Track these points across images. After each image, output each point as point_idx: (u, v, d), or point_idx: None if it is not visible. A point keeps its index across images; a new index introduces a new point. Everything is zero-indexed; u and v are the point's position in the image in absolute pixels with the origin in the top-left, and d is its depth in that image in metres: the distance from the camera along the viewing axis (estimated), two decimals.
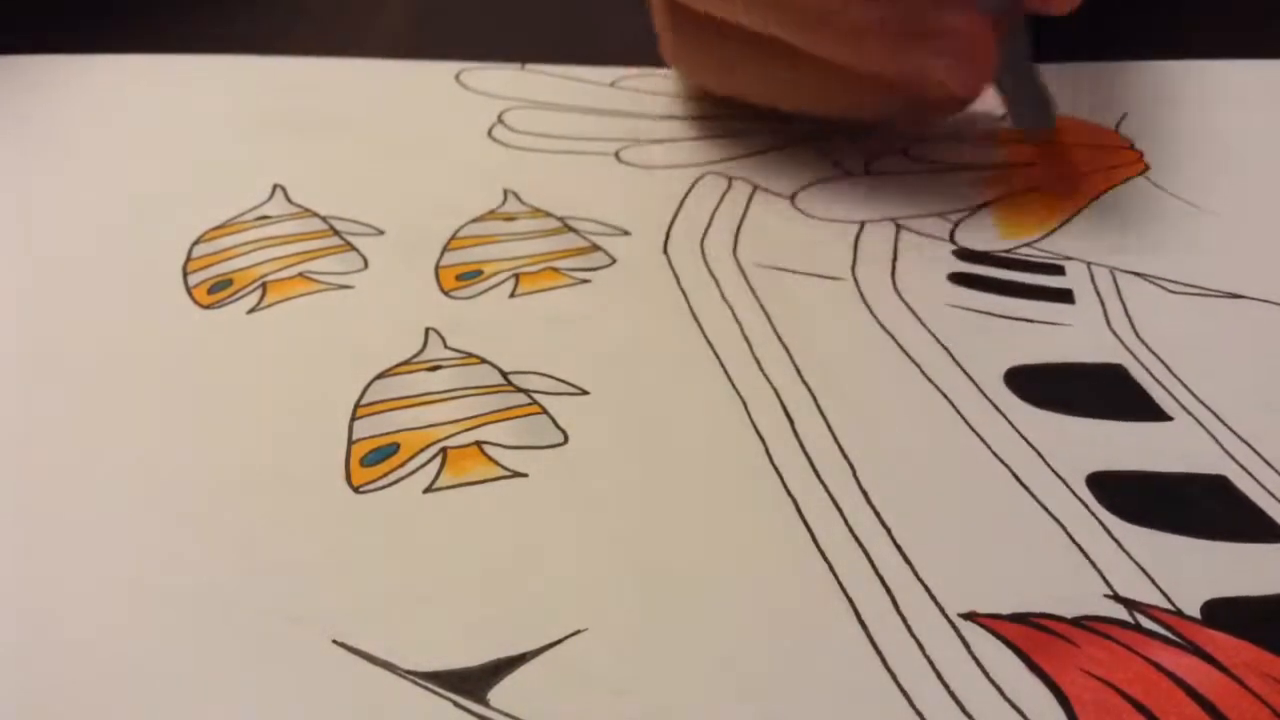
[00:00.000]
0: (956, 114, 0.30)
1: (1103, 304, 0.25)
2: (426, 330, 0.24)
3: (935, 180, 0.30)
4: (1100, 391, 0.22)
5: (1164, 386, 0.22)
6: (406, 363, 0.23)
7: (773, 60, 0.28)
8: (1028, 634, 0.17)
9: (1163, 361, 0.23)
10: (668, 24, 0.30)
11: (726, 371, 0.22)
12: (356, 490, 0.20)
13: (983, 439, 0.21)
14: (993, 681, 0.16)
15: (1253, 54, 0.37)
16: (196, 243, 0.27)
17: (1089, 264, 0.26)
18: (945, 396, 0.22)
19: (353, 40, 0.38)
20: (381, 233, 0.27)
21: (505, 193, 0.29)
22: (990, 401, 0.22)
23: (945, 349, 0.23)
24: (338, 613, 0.17)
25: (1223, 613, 0.17)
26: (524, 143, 0.32)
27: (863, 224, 0.28)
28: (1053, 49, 0.37)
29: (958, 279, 0.26)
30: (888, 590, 0.18)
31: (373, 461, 0.20)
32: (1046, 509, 0.19)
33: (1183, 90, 0.35)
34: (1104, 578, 0.18)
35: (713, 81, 0.32)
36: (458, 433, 0.21)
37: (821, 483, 0.20)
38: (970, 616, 0.17)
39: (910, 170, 0.30)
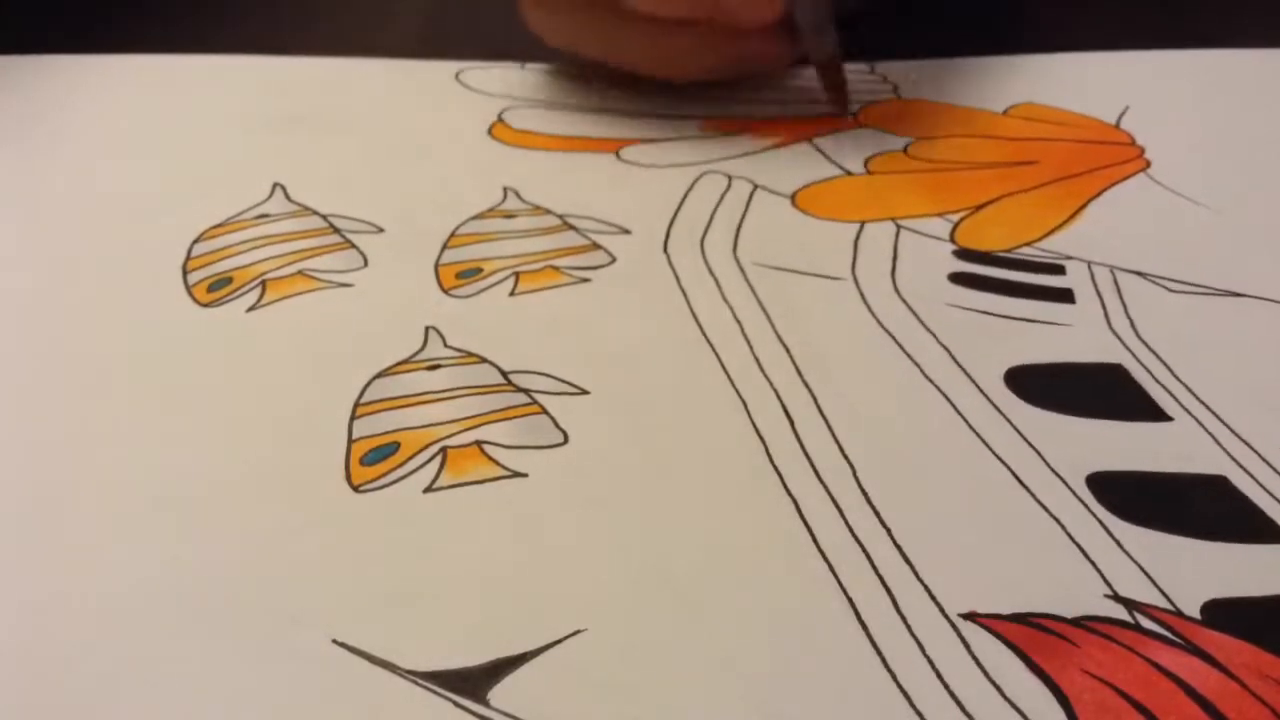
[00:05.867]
0: (786, 66, 0.32)
1: (1103, 303, 0.25)
2: (426, 329, 0.24)
3: (936, 179, 0.30)
4: (1100, 391, 0.22)
5: (1164, 386, 0.22)
6: (406, 361, 0.23)
7: (603, 19, 0.30)
8: (1028, 634, 0.17)
9: (1163, 361, 0.23)
10: None
11: (726, 371, 0.22)
12: (356, 490, 0.20)
13: (983, 439, 0.21)
14: (993, 681, 0.16)
15: (1259, 43, 0.37)
16: (196, 241, 0.27)
17: (1089, 263, 0.26)
18: (945, 396, 0.22)
19: (364, 40, 0.38)
20: (381, 230, 0.27)
21: (505, 190, 0.29)
22: (990, 401, 0.22)
23: (945, 349, 0.23)
24: (338, 613, 0.17)
25: (1223, 613, 0.17)
26: (524, 141, 0.32)
27: (863, 223, 0.28)
28: (1054, 39, 0.37)
29: (958, 279, 0.26)
30: (888, 590, 0.18)
31: (372, 461, 0.20)
32: (1046, 509, 0.19)
33: (1187, 81, 0.35)
34: (1104, 578, 0.18)
35: (568, 44, 0.33)
36: (458, 432, 0.21)
37: (821, 483, 0.20)
38: (970, 616, 0.17)
39: (911, 169, 0.30)
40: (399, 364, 0.23)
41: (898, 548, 0.18)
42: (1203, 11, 0.40)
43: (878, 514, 0.19)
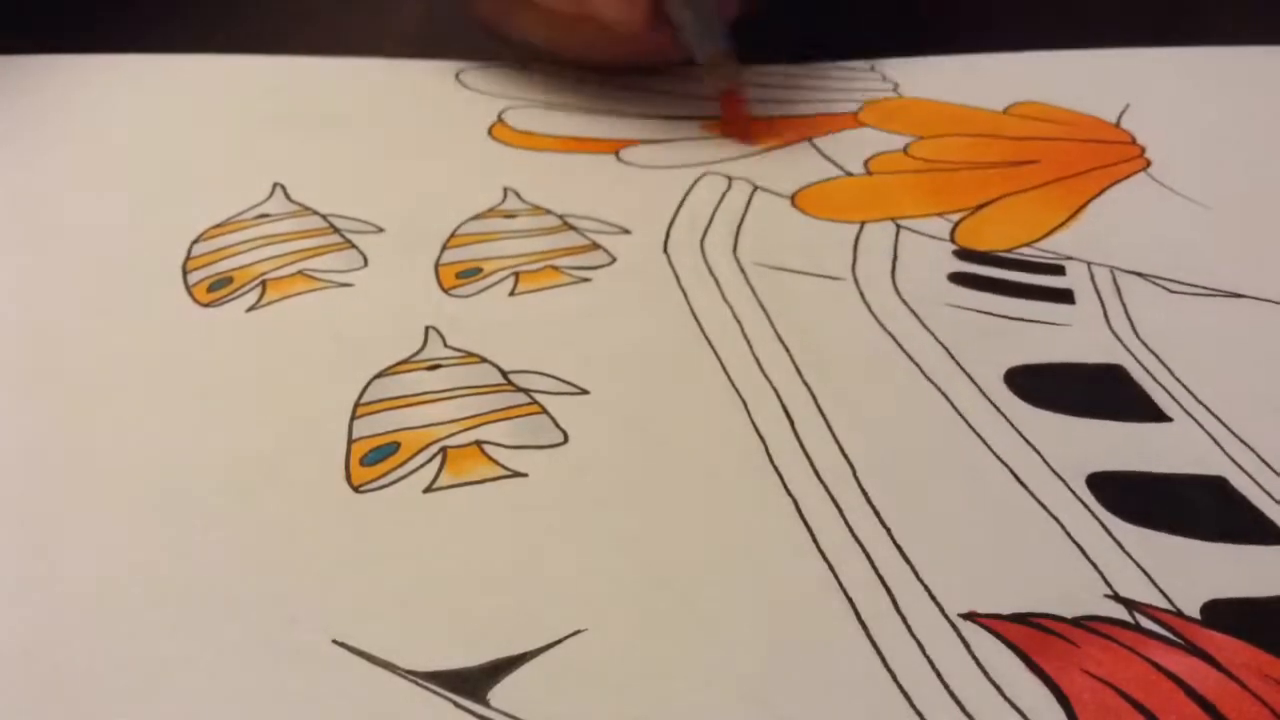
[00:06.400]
0: (674, 59, 0.32)
1: (1103, 304, 0.25)
2: (426, 329, 0.24)
3: (936, 179, 0.30)
4: (1100, 392, 0.22)
5: (1163, 387, 0.22)
6: (406, 361, 0.23)
7: (518, 7, 0.33)
8: (1028, 634, 0.17)
9: (1162, 362, 0.23)
10: None
11: (726, 371, 0.22)
12: (356, 490, 0.20)
13: (983, 439, 0.21)
14: (993, 681, 0.16)
15: (1260, 40, 0.37)
16: (196, 241, 0.27)
17: (1089, 263, 0.26)
18: (945, 396, 0.22)
19: (364, 40, 0.38)
20: (381, 230, 0.27)
21: (505, 190, 0.29)
22: (990, 401, 0.22)
23: (945, 349, 0.23)
24: (338, 613, 0.17)
25: (1223, 613, 0.17)
26: (524, 141, 0.32)
27: (863, 224, 0.28)
28: (1054, 36, 0.37)
29: (958, 279, 0.26)
30: (888, 590, 0.18)
31: (373, 461, 0.20)
32: (1046, 509, 0.19)
33: (1187, 79, 0.35)
34: (1104, 578, 0.18)
35: (500, 25, 0.35)
36: (458, 432, 0.21)
37: (821, 483, 0.20)
38: (970, 616, 0.17)
39: (910, 169, 0.30)
40: (399, 364, 0.23)
41: (898, 548, 0.18)
42: (1204, 8, 0.40)
43: (878, 514, 0.19)
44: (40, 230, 0.28)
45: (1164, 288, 0.25)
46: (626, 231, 0.27)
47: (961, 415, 0.21)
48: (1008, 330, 0.24)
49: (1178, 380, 0.22)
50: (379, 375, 0.22)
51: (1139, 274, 0.26)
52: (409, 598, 0.18)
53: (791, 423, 0.21)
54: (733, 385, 0.22)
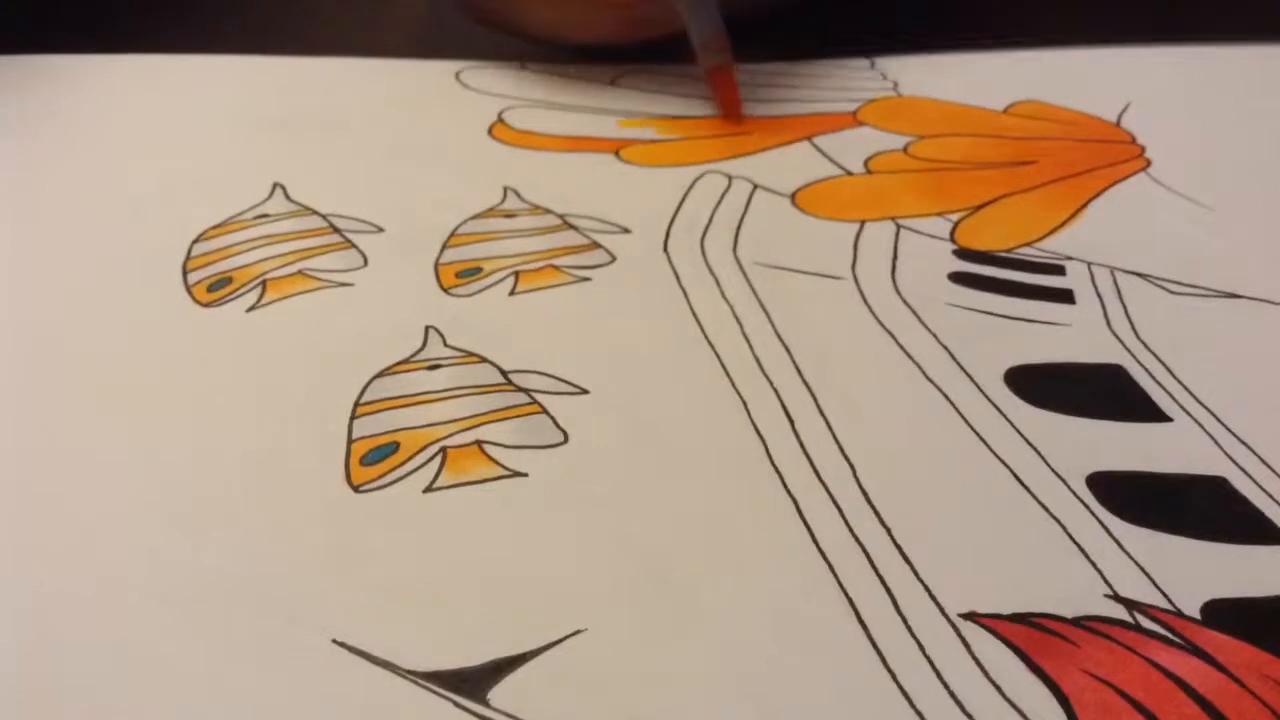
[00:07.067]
0: (666, 35, 0.32)
1: (1103, 304, 0.25)
2: (426, 328, 0.24)
3: (937, 179, 0.30)
4: (1100, 392, 0.22)
5: (1163, 387, 0.22)
6: (406, 361, 0.23)
7: None
8: (1028, 634, 0.17)
9: (1162, 362, 0.23)
10: None
11: (726, 371, 0.22)
12: (356, 490, 0.20)
13: (983, 439, 0.21)
14: (993, 681, 0.16)
15: (1262, 38, 0.37)
16: (196, 241, 0.27)
17: (1089, 264, 0.26)
18: (945, 396, 0.22)
19: (364, 40, 0.38)
20: (381, 230, 0.27)
21: (505, 190, 0.29)
22: (990, 401, 0.22)
23: (945, 349, 0.23)
24: (338, 613, 0.17)
25: (1223, 613, 0.17)
26: (524, 140, 0.32)
27: (863, 223, 0.28)
28: (1052, 35, 0.37)
29: (958, 278, 0.26)
30: (888, 590, 0.18)
31: (372, 460, 0.20)
32: (1046, 509, 0.19)
33: (1188, 78, 0.35)
34: (1104, 578, 0.18)
35: (492, 13, 0.35)
36: (457, 432, 0.21)
37: (821, 483, 0.20)
38: (970, 616, 0.17)
39: (911, 168, 0.30)
40: (399, 364, 0.23)
41: (898, 548, 0.18)
42: (1205, 6, 0.40)
43: (878, 514, 0.19)
44: (40, 230, 0.28)
45: (1164, 288, 0.25)
46: (626, 231, 0.27)
47: (961, 415, 0.21)
48: (1008, 330, 0.24)
49: (1178, 381, 0.22)
50: (379, 375, 0.22)
51: (1139, 274, 0.26)
52: (409, 598, 0.18)
53: (791, 423, 0.21)
54: (733, 385, 0.22)
